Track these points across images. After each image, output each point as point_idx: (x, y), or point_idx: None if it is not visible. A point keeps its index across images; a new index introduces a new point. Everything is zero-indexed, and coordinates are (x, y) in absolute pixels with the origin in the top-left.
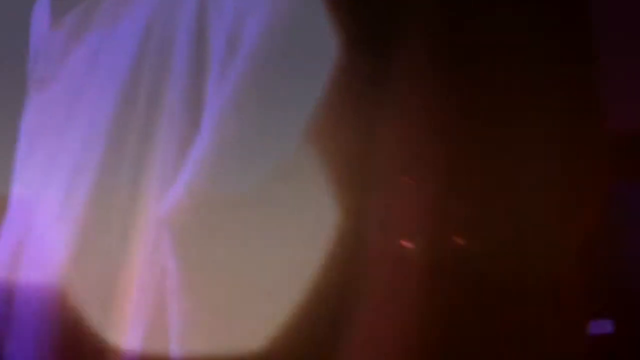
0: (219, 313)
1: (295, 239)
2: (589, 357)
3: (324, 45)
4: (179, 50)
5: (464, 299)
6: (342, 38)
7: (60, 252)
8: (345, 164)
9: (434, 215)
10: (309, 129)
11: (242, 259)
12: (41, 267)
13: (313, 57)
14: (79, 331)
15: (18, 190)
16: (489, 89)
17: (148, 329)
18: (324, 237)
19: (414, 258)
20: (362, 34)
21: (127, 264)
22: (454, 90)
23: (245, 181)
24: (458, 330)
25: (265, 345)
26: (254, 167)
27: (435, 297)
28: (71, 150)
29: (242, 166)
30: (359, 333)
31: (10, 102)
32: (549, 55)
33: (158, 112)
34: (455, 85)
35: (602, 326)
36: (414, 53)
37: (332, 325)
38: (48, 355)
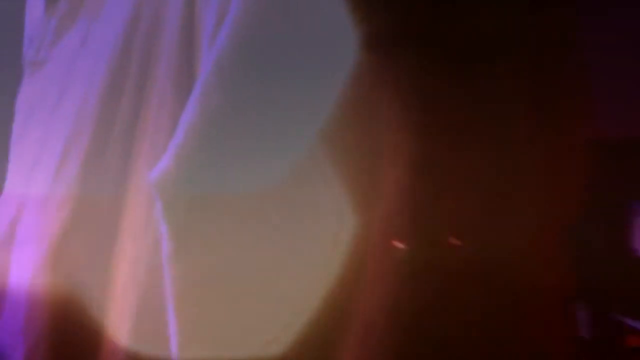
0: (210, 279)
1: (281, 206)
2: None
3: (308, 14)
4: (169, 28)
5: (454, 296)
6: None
7: (52, 228)
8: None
9: (422, 214)
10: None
11: (232, 224)
12: (34, 243)
13: (296, 26)
14: (71, 308)
15: (12, 169)
16: (478, 90)
17: (142, 301)
18: (310, 217)
19: (404, 257)
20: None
21: (120, 237)
22: (444, 92)
23: (230, 147)
24: (448, 327)
25: (254, 312)
26: (238, 134)
27: (428, 295)
28: (63, 129)
29: (228, 133)
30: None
31: (5, 85)
32: (535, 55)
33: (148, 88)
34: (445, 86)
35: None
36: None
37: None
38: (39, 330)
